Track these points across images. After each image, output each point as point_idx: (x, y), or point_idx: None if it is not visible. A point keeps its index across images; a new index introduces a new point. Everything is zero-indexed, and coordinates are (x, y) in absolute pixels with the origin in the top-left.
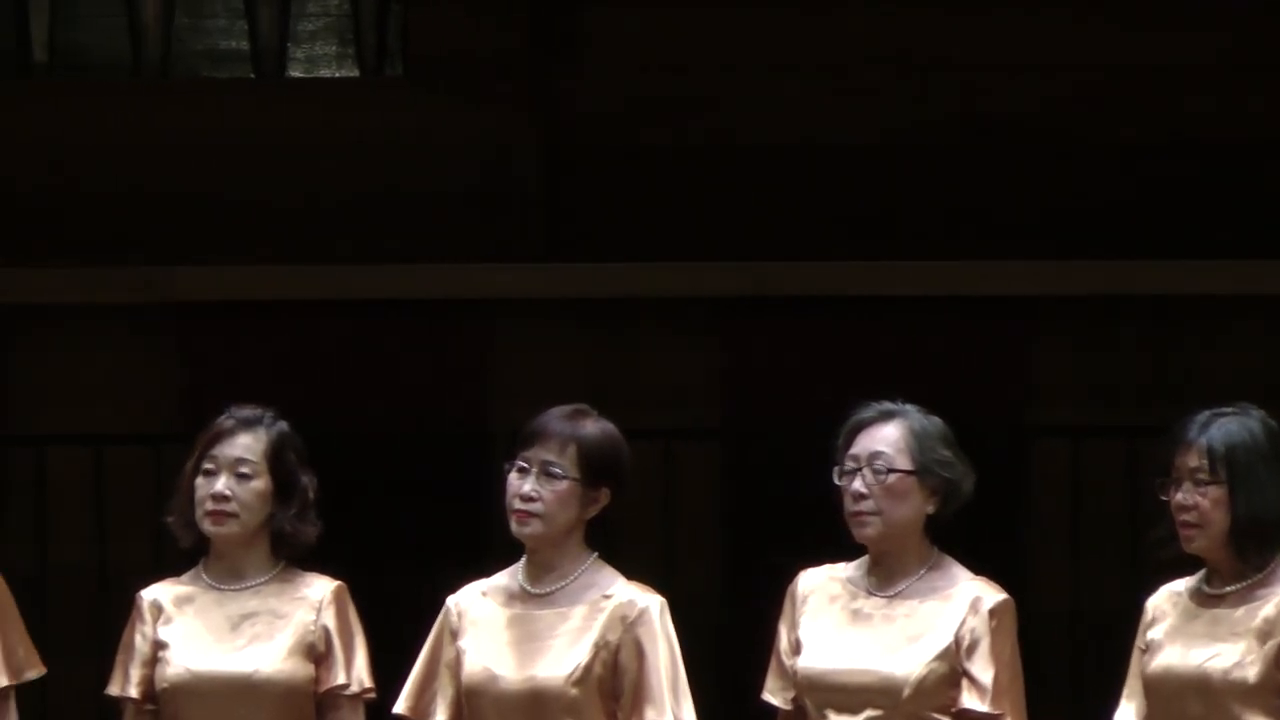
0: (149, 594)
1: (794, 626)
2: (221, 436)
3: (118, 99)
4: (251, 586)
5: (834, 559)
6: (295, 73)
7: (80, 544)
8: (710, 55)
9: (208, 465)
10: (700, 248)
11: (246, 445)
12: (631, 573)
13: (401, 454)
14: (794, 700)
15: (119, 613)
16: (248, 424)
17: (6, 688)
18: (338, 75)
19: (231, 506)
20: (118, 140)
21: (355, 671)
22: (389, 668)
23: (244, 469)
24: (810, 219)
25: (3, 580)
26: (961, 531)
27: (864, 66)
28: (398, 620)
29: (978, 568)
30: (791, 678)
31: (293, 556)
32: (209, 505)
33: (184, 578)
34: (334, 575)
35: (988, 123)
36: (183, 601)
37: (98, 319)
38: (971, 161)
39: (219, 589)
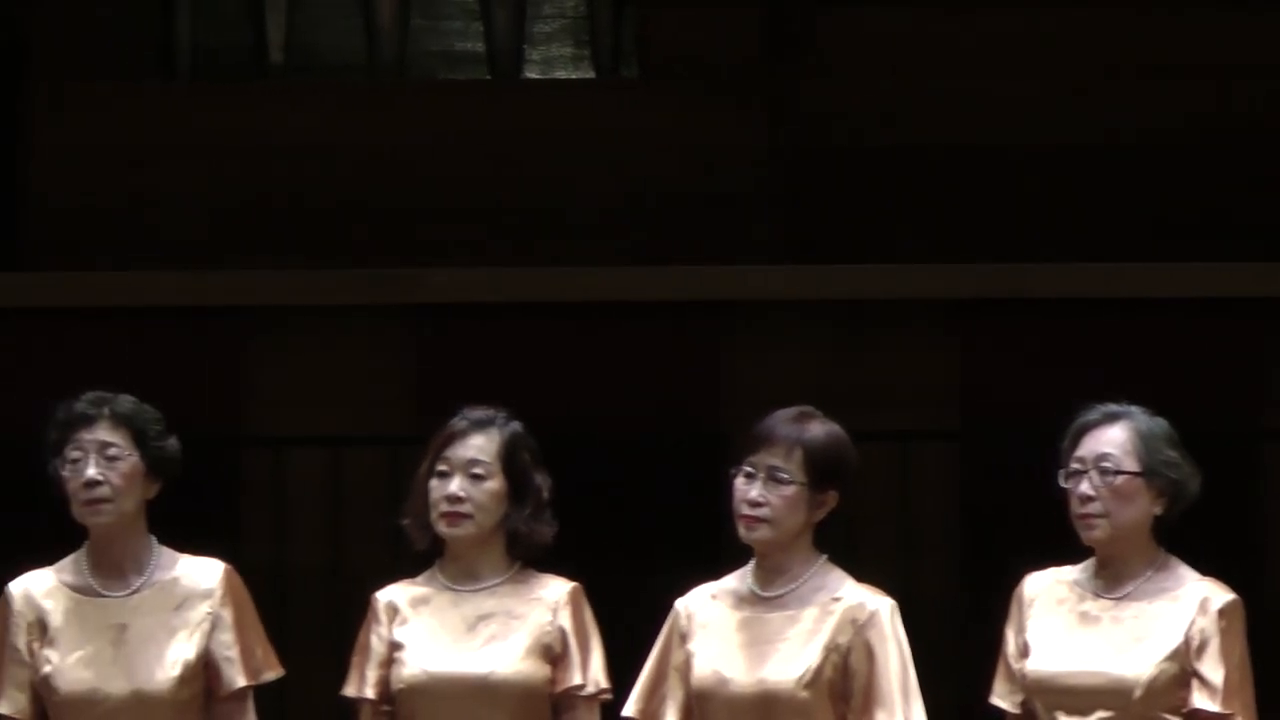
0: (384, 595)
1: (1021, 630)
2: (454, 438)
3: (353, 100)
4: (487, 587)
5: (1074, 561)
6: (531, 74)
7: (317, 545)
8: (947, 56)
9: (441, 467)
10: (937, 249)
11: (479, 446)
12: (866, 574)
13: (637, 455)
14: (1022, 704)
15: (356, 614)
16: (480, 425)
17: (245, 688)
18: (573, 77)
19: (466, 508)
20: (353, 141)
21: (591, 672)
22: (619, 669)
23: (477, 470)
24: (1049, 221)
25: (242, 582)
26: (1196, 534)
27: (1105, 68)
28: (629, 622)
29: (1212, 569)
30: (1019, 681)
31: (528, 557)
32: (443, 507)
33: (419, 579)
34: (568, 576)
35: (1232, 124)
36: (419, 603)
37: (336, 320)
38: (1210, 164)
39: (455, 590)
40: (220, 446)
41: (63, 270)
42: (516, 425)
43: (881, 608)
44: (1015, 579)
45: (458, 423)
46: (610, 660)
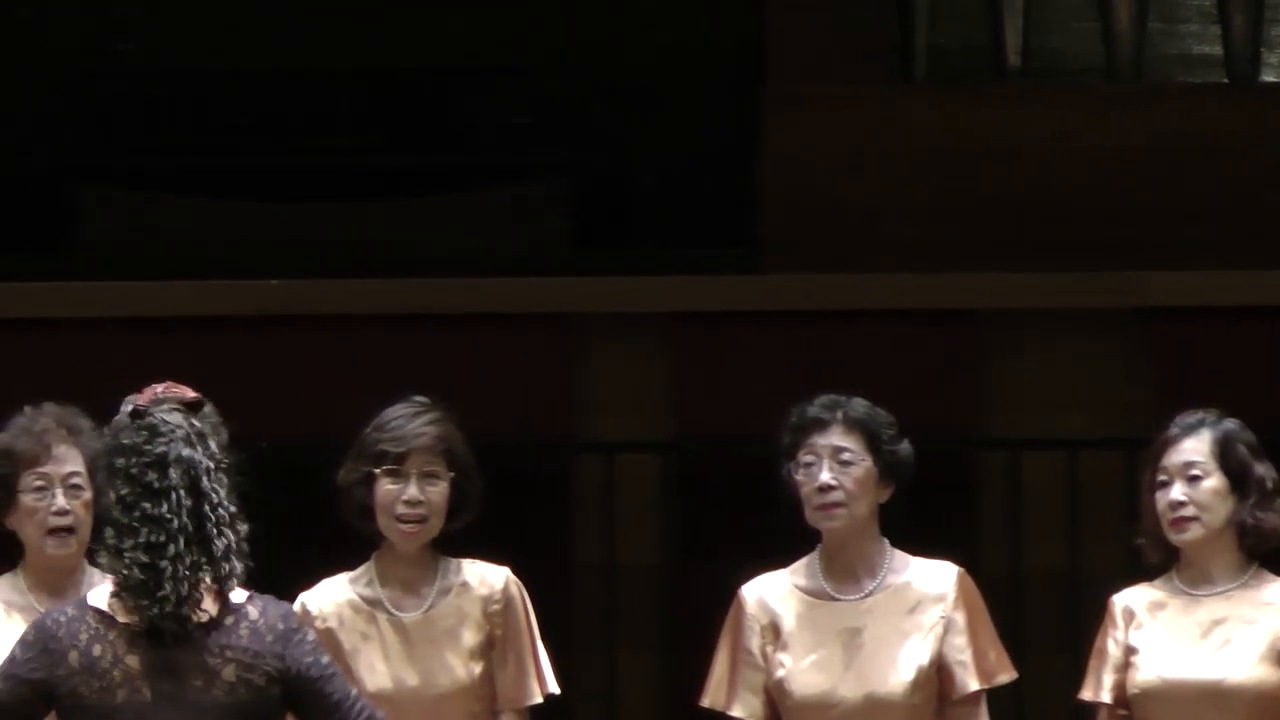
0: (1121, 599)
1: None
2: (1168, 445)
3: (1088, 103)
4: (1222, 592)
5: None
6: (1268, 78)
7: (1054, 548)
8: None
9: (1161, 477)
10: None
11: (1193, 449)
12: None
13: None
14: None
15: (1092, 617)
16: (1191, 428)
17: (978, 692)
18: None
19: (1189, 510)
20: (1087, 144)
21: None
22: None
23: (1194, 472)
24: None
25: (974, 585)
26: None
27: None
28: None
29: None
30: None
31: (1261, 550)
32: (1169, 515)
33: (1157, 582)
34: None
35: None
36: (1155, 607)
37: (1069, 322)
38: None
39: (1190, 594)
40: (958, 450)
41: (801, 272)
42: (1229, 423)
43: None
44: None
45: (1170, 430)
46: None
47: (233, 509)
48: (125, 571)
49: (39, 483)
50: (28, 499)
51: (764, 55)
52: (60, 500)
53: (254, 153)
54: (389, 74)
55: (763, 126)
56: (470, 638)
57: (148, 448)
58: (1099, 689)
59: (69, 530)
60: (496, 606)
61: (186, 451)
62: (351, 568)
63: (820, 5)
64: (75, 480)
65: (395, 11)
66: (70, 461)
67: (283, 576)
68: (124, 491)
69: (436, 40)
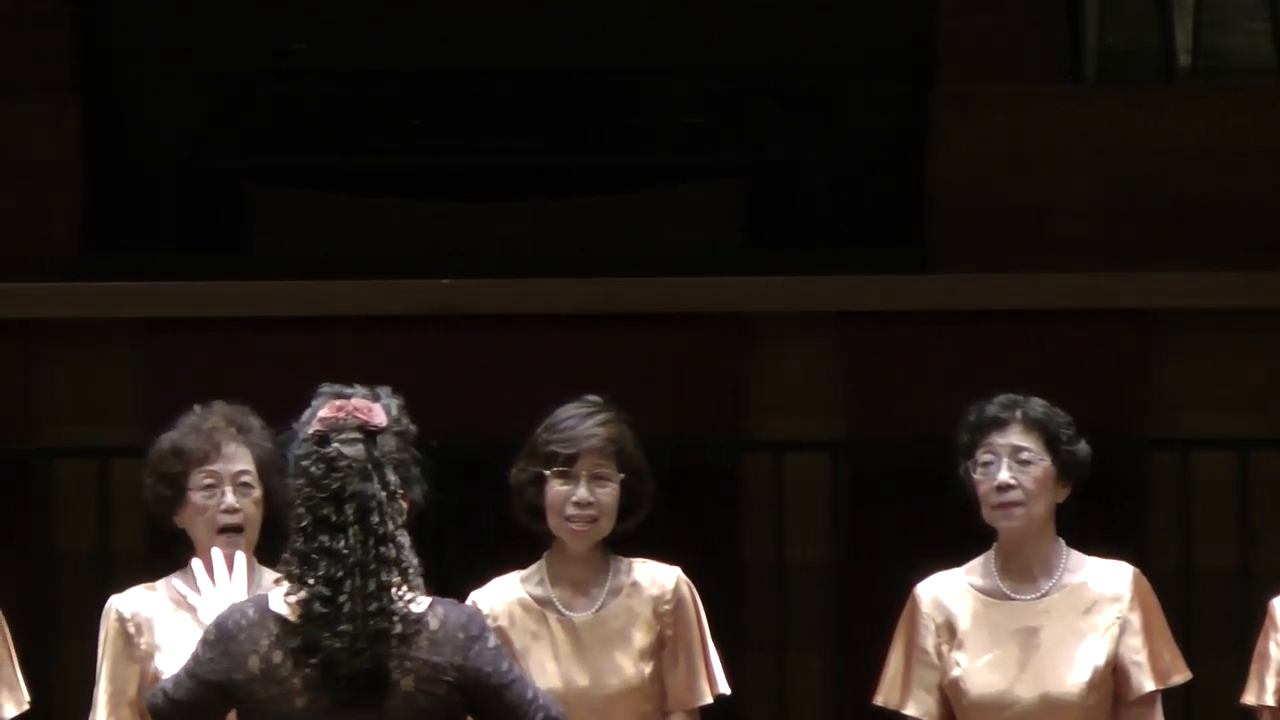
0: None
1: None
2: None
3: (1258, 103)
4: None
5: None
6: None
7: (1224, 548)
8: None
9: None
10: None
11: None
12: None
13: None
14: None
15: (1259, 619)
16: None
17: (1153, 693)
18: None
19: None
20: (1258, 144)
21: None
22: None
23: None
24: None
25: (1149, 585)
26: None
27: None
28: None
29: None
30: None
31: None
32: None
33: None
34: None
35: None
36: None
37: (1239, 322)
38: None
39: None
40: (1128, 449)
41: (970, 272)
42: None
43: None
44: None
45: None
46: None
47: (405, 540)
48: (307, 604)
49: (208, 481)
50: (197, 497)
51: (935, 55)
52: (230, 498)
53: (429, 153)
54: (563, 75)
55: (933, 126)
56: (641, 638)
57: (325, 482)
58: (1262, 693)
59: (238, 529)
60: (667, 606)
61: (361, 486)
62: (522, 566)
63: (991, 6)
64: (245, 479)
65: (571, 13)
66: (240, 460)
67: (453, 574)
68: (304, 523)
69: (610, 41)
